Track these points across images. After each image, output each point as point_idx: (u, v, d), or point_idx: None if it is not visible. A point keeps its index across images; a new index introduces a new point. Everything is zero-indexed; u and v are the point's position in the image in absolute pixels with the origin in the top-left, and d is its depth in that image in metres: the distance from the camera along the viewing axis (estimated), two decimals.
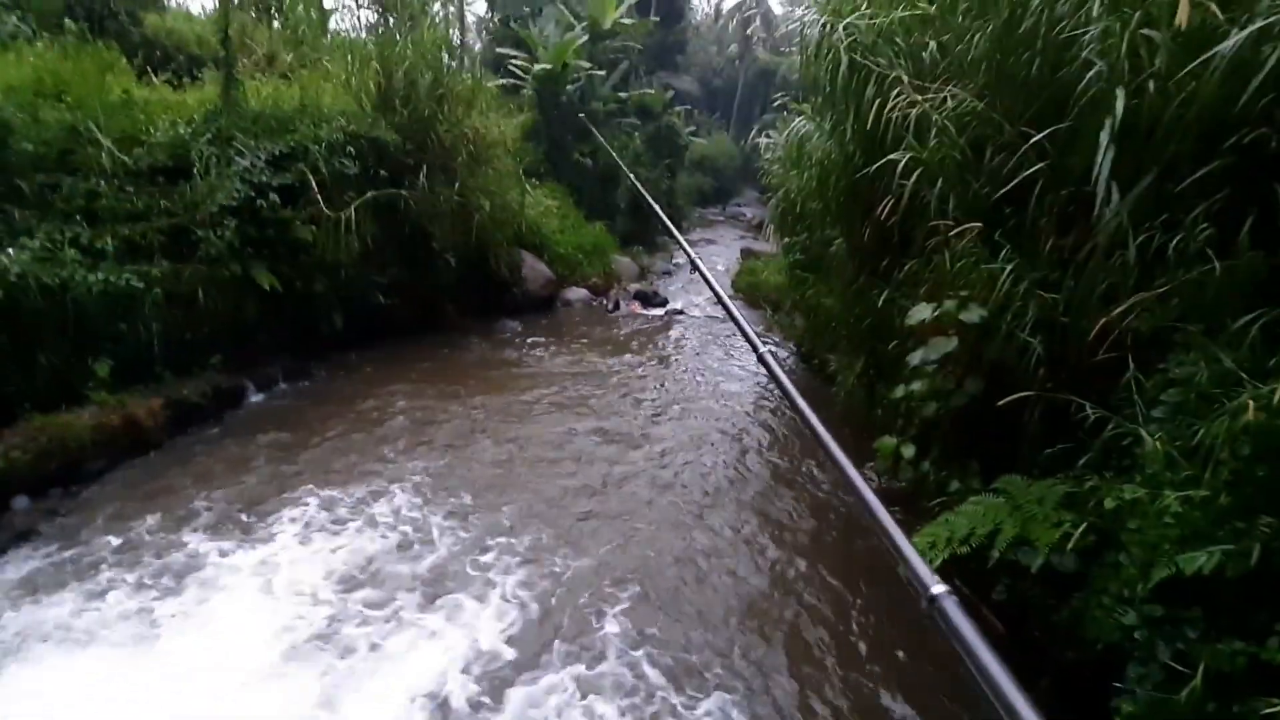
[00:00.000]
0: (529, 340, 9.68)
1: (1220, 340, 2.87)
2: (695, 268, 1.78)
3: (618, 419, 7.13)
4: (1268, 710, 2.50)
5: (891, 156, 4.28)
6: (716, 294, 1.98)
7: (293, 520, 4.87)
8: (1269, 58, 2.58)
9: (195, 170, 6.95)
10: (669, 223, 3.02)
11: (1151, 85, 2.93)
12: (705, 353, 9.52)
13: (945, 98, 4.05)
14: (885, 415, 5.56)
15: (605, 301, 11.88)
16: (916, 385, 4.57)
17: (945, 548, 4.00)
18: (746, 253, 13.86)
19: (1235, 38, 2.56)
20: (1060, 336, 3.60)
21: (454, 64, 10.27)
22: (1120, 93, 2.94)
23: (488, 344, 9.40)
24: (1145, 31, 2.96)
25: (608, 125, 14.96)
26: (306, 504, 5.07)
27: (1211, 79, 2.66)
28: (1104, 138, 2.93)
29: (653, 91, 16.91)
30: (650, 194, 15.20)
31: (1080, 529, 3.33)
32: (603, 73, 14.96)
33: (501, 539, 4.83)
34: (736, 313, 1.93)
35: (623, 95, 15.59)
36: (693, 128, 19.20)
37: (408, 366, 8.25)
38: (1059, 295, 3.55)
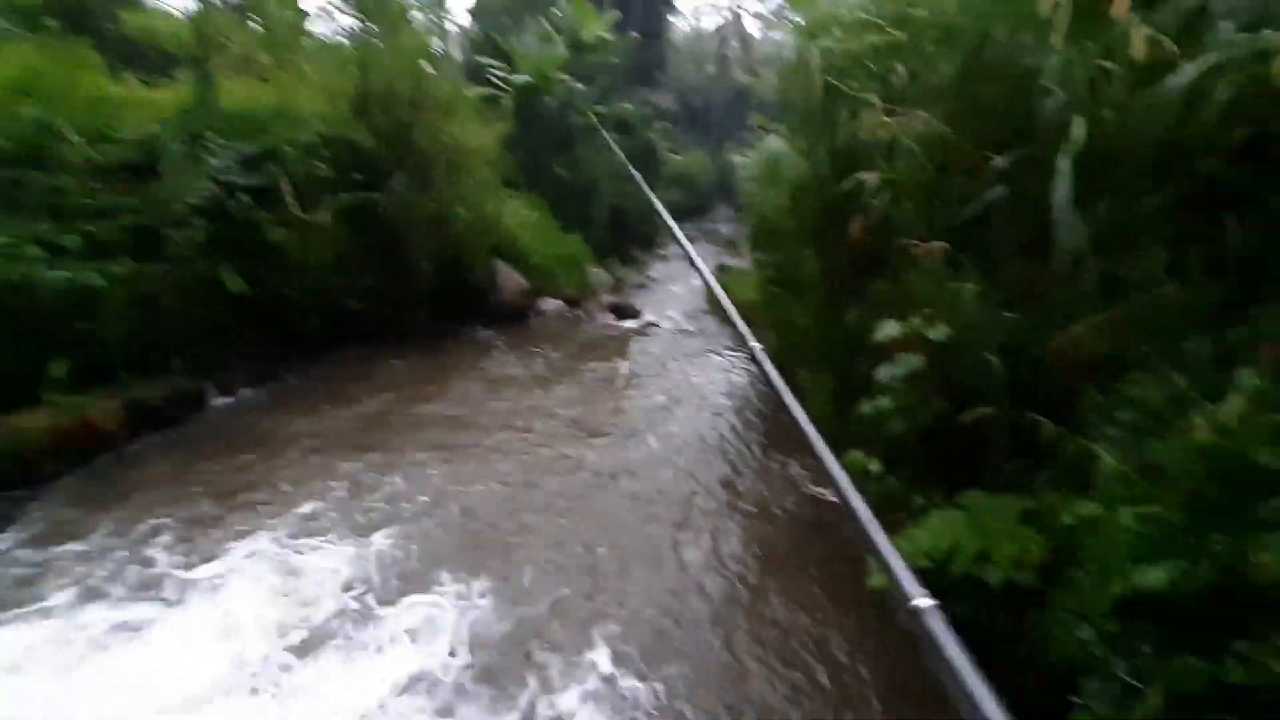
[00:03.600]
0: (502, 348, 9.62)
1: (1174, 362, 2.97)
2: (691, 264, 1.80)
3: (583, 429, 7.10)
4: None
5: (862, 176, 4.36)
6: (714, 290, 1.93)
7: (240, 534, 4.73)
8: (1219, 90, 2.70)
9: (164, 168, 6.81)
10: (670, 220, 2.86)
11: (1107, 115, 3.05)
12: (675, 363, 9.56)
13: (914, 122, 4.15)
14: (853, 431, 5.62)
15: (580, 313, 11.87)
16: (884, 401, 4.63)
17: (909, 561, 4.05)
18: (721, 269, 13.96)
19: (1189, 70, 2.68)
20: (1022, 356, 3.68)
21: (434, 71, 10.26)
22: (1080, 121, 3.04)
23: (460, 352, 9.33)
24: (1103, 63, 3.07)
25: (587, 139, 15.04)
26: (255, 515, 4.94)
27: (1165, 110, 2.77)
28: (1063, 164, 3.03)
29: (632, 107, 17.06)
30: (627, 207, 15.26)
31: (1039, 545, 3.40)
32: (583, 86, 15.05)
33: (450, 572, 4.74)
34: (734, 312, 1.89)
35: (601, 109, 15.70)
36: (671, 144, 19.40)
37: (377, 373, 8.14)
38: (1020, 316, 3.64)
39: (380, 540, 4.70)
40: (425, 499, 5.36)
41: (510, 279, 11.25)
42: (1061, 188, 3.05)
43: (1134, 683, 2.86)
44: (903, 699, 3.85)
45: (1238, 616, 2.66)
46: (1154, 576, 2.74)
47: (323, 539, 4.70)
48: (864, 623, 4.42)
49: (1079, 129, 3.02)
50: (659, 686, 3.53)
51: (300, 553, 4.55)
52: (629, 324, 11.44)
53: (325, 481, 5.44)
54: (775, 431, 7.49)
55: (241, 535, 4.67)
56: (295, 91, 8.75)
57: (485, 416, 7.20)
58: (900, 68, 4.60)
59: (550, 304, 11.82)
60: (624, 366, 9.33)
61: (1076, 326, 3.18)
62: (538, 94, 13.98)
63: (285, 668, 3.56)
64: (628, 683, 3.53)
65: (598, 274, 13.51)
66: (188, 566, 4.31)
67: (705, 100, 28.54)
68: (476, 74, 14.65)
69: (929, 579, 3.33)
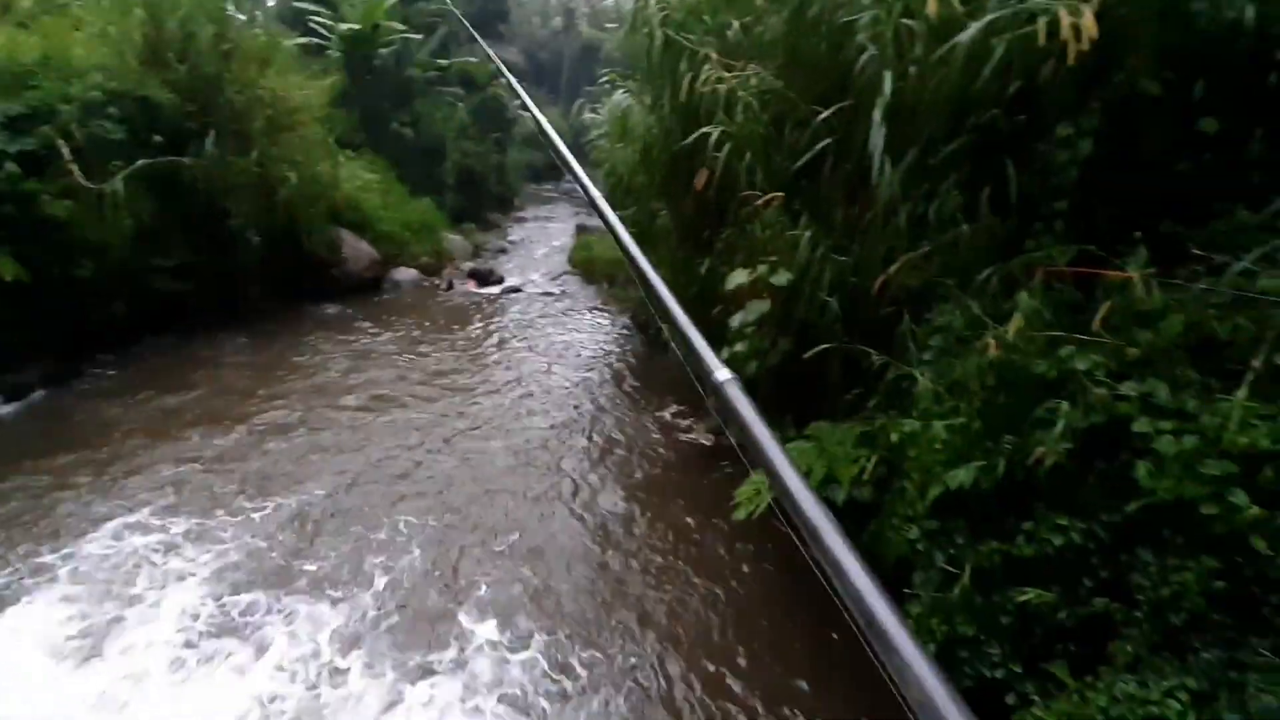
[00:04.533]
0: (351, 324, 9.01)
1: (970, 291, 3.39)
2: (579, 185, 1.71)
3: (445, 404, 6.90)
4: (1019, 597, 3.06)
5: (705, 130, 4.49)
6: (591, 197, 1.80)
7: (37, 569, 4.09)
8: (997, 48, 3.05)
9: None
10: (564, 149, 2.42)
11: (912, 70, 3.35)
12: (544, 325, 9.48)
13: (749, 75, 4.32)
14: None
15: (438, 281, 11.35)
16: (739, 347, 4.90)
17: (768, 492, 4.40)
18: (582, 228, 13.90)
19: (971, 29, 3.00)
20: (852, 294, 4.04)
21: (242, 17, 9.11)
22: (888, 75, 3.32)
23: (301, 330, 8.60)
24: (905, 20, 3.36)
25: (428, 94, 14.15)
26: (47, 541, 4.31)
27: (955, 66, 3.10)
28: (876, 116, 3.31)
29: (475, 60, 16.24)
30: (479, 169, 14.64)
31: (873, 462, 3.82)
32: (420, 37, 14.07)
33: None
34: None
35: (443, 63, 14.79)
36: (519, 102, 18.76)
37: (198, 361, 7.34)
38: (849, 258, 3.98)
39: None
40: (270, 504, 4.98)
41: (357, 248, 10.47)
42: (875, 138, 3.33)
43: (951, 569, 3.34)
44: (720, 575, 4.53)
45: (1025, 502, 3.16)
46: (960, 477, 3.18)
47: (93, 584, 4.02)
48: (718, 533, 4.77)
49: (887, 83, 3.30)
50: (546, 573, 4.40)
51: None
52: (491, 290, 11.12)
53: (104, 511, 4.72)
54: (647, 377, 7.72)
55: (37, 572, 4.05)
56: (67, 39, 7.40)
57: (335, 398, 6.75)
58: (735, 22, 4.75)
59: (405, 274, 11.18)
60: (492, 332, 9.10)
61: (894, 265, 3.52)
62: (368, 44, 12.89)
63: None
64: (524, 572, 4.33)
65: (454, 240, 12.93)
66: None
67: (553, 55, 27.74)
68: (296, 20, 13.20)
69: (783, 506, 3.67)
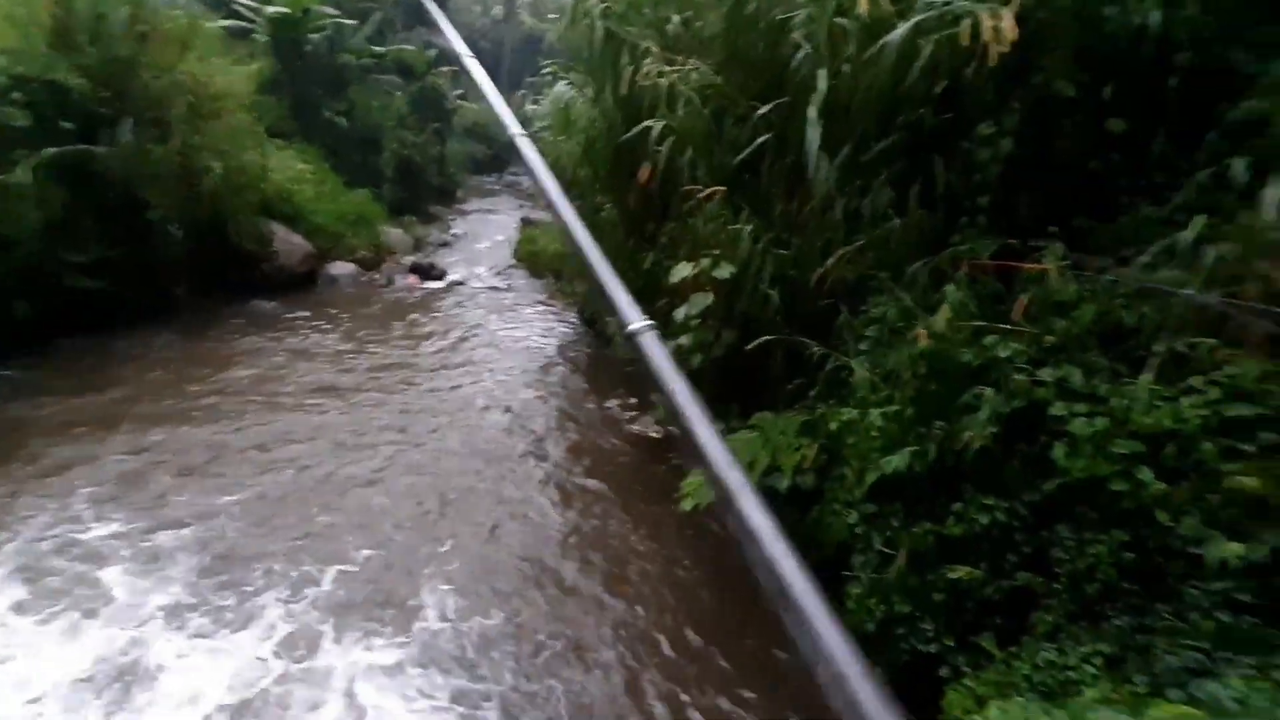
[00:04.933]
0: (286, 321, 8.66)
1: (902, 283, 3.52)
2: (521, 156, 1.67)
3: (391, 399, 6.73)
4: (950, 575, 3.21)
5: (647, 124, 4.50)
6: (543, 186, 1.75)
7: None
8: (925, 48, 3.16)
9: None
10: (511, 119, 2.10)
11: (845, 68, 3.44)
12: (490, 321, 9.32)
13: (690, 70, 4.34)
14: None
15: (377, 276, 11.01)
16: (684, 339, 4.96)
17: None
18: (526, 221, 13.71)
19: (900, 29, 3.10)
20: (792, 287, 4.14)
21: None
22: (822, 73, 3.41)
23: (229, 329, 8.20)
24: (839, 19, 3.44)
25: (364, 82, 13.67)
26: None
27: (885, 65, 3.20)
28: (812, 113, 3.39)
29: (413, 49, 15.77)
30: (418, 160, 14.26)
31: (814, 451, 3.93)
32: (353, 22, 13.56)
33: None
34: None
35: (379, 50, 14.31)
36: (460, 91, 18.31)
37: (121, 359, 6.92)
38: (789, 251, 4.07)
39: None
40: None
41: (290, 242, 10.05)
42: (811, 135, 3.41)
43: (888, 551, 3.47)
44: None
45: (955, 485, 3.31)
46: (895, 462, 3.30)
47: None
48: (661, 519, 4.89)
49: (822, 81, 3.38)
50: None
51: None
52: (434, 285, 10.86)
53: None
54: (594, 371, 7.71)
55: None
56: None
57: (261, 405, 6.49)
58: (675, 16, 4.76)
59: (342, 268, 10.79)
60: (436, 327, 8.90)
61: (831, 259, 3.62)
62: (298, 29, 12.34)
63: None
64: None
65: (394, 233, 12.56)
66: None
67: (495, 45, 27.22)
68: (219, 3, 12.53)
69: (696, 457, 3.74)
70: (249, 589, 3.98)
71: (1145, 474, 2.60)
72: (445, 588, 4.15)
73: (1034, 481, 2.98)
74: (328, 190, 11.48)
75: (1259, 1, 2.86)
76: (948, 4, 3.02)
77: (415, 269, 11.27)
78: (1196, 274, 2.56)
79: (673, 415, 0.64)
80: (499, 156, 23.03)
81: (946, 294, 3.13)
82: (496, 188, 20.49)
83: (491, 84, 2.08)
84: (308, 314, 8.93)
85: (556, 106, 6.92)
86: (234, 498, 4.83)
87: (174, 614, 3.75)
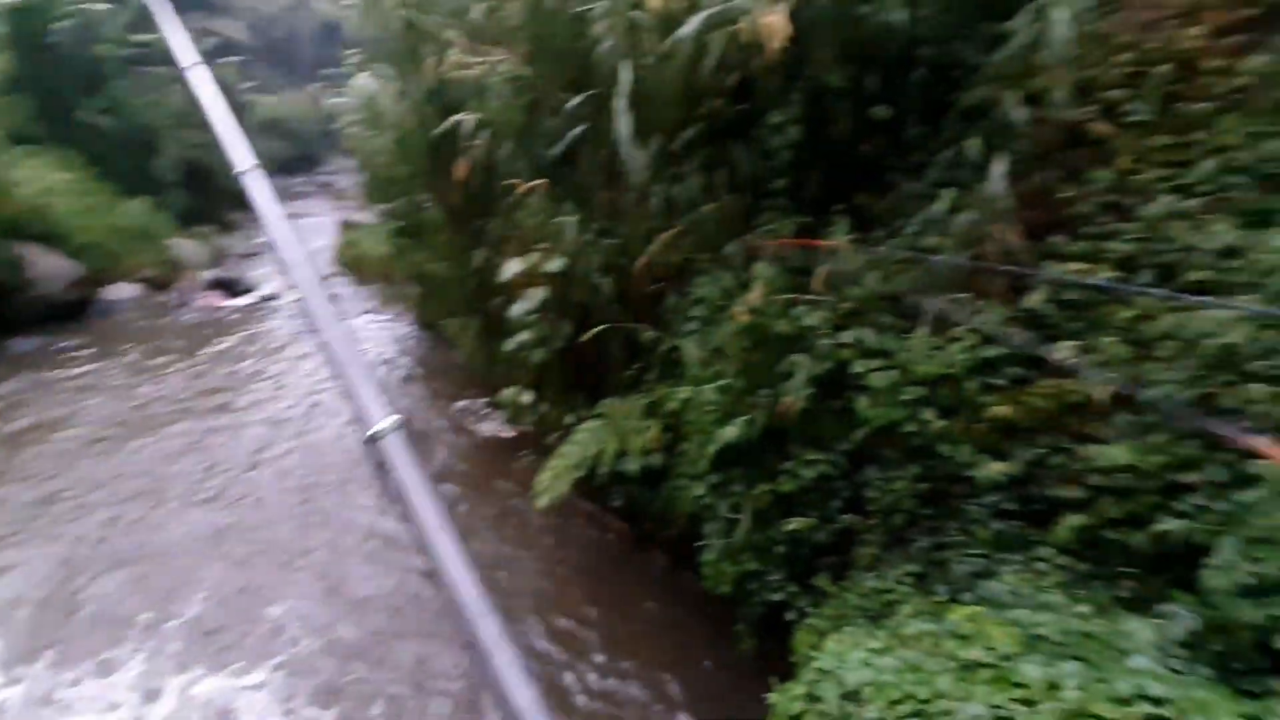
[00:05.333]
0: (55, 358, 7.38)
1: (720, 264, 3.74)
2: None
3: (211, 424, 6.02)
4: (787, 528, 3.49)
5: (459, 117, 4.36)
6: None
7: None
8: (714, 43, 3.35)
9: None
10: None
11: (646, 61, 3.56)
12: (312, 334, 8.56)
13: (498, 62, 4.26)
14: (504, 368, 5.89)
15: (171, 297, 9.70)
16: (524, 336, 4.91)
17: (567, 474, 4.50)
18: (346, 224, 12.74)
19: (690, 24, 3.25)
20: (621, 275, 4.24)
21: None
22: (625, 65, 3.49)
23: None
24: (635, 13, 3.54)
25: (128, 76, 11.87)
26: None
27: (680, 58, 3.35)
28: (620, 104, 3.47)
29: (188, 35, 13.92)
30: (208, 162, 12.70)
31: (657, 430, 4.09)
32: (106, 6, 11.68)
33: None
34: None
35: (145, 39, 12.45)
36: (253, 83, 16.48)
37: None
38: (615, 240, 4.16)
39: None
40: None
41: (50, 265, 8.53)
42: (622, 126, 3.49)
43: (734, 515, 3.71)
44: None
45: (783, 445, 3.61)
46: (731, 432, 3.53)
47: None
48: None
49: (626, 73, 3.46)
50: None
51: None
52: (243, 301, 9.78)
53: None
54: (438, 376, 7.40)
55: None
56: None
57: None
58: (477, 5, 4.63)
59: (123, 291, 9.37)
60: (252, 348, 8.01)
61: (653, 245, 3.75)
62: (41, 17, 10.40)
63: None
64: None
65: (186, 246, 11.09)
66: None
67: (289, 33, 24.75)
68: None
69: (587, 482, 3.80)
70: None
71: (928, 414, 3.01)
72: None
73: (845, 433, 3.33)
74: (95, 203, 9.90)
75: (981, 1, 3.36)
76: (729, 1, 3.22)
77: (217, 285, 10.09)
78: (950, 240, 2.99)
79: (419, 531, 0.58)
80: (308, 155, 21.14)
81: (757, 272, 3.37)
82: (308, 188, 18.79)
83: (222, 104, 1.92)
84: (79, 347, 7.68)
85: (362, 100, 6.47)
86: None
87: None
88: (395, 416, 0.84)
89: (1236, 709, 1.69)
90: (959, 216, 2.97)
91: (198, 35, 14.14)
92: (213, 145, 12.96)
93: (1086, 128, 3.03)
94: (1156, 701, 1.74)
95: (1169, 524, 2.25)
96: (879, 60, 3.32)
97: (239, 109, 14.54)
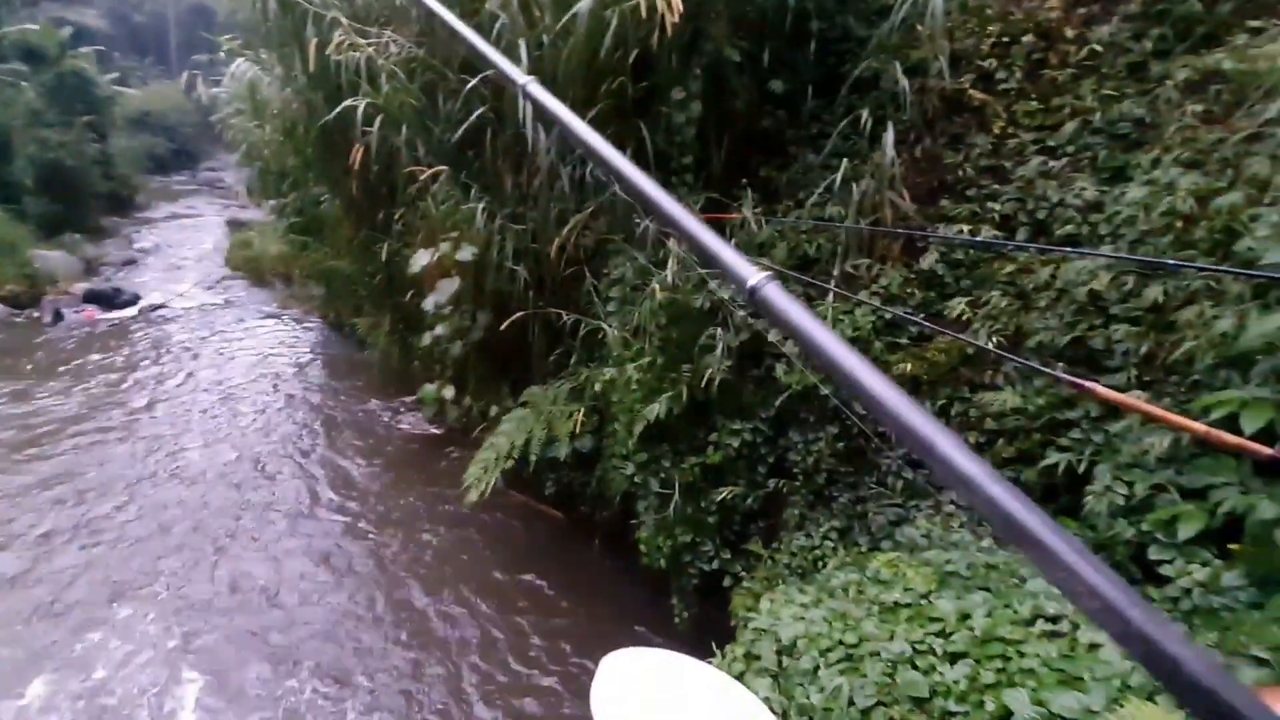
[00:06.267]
0: None
1: (634, 243, 3.75)
2: None
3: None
4: (717, 497, 3.58)
5: (350, 103, 4.14)
6: None
7: None
8: (612, 19, 3.32)
9: None
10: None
11: (545, 39, 3.49)
12: (216, 343, 7.97)
13: (388, 42, 4.06)
14: (422, 364, 5.71)
15: (37, 314, 8.80)
16: (440, 329, 4.76)
17: (496, 466, 4.44)
18: (235, 224, 11.92)
19: (584, 2, 3.21)
20: (536, 260, 4.18)
21: None
22: (522, 43, 3.41)
23: None
24: None
25: None
26: None
27: (579, 35, 3.31)
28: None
29: (37, 27, 12.52)
30: (71, 163, 11.55)
31: (584, 413, 4.09)
32: None
33: None
34: None
35: None
36: (115, 75, 15.02)
37: None
38: (527, 225, 4.09)
39: None
40: None
41: None
42: (525, 107, 3.41)
43: (665, 491, 3.77)
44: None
45: (708, 418, 3.69)
46: (655, 410, 3.57)
47: None
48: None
49: (523, 51, 3.39)
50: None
51: None
52: (123, 314, 8.98)
53: None
54: (353, 376, 7.09)
55: None
56: None
57: None
58: None
59: None
60: (141, 363, 7.36)
61: (566, 228, 3.72)
62: None
63: None
64: None
65: (53, 257, 10.04)
66: None
67: (154, 18, 22.68)
68: None
69: (518, 473, 3.75)
70: None
71: None
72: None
73: (766, 400, 3.44)
74: None
75: None
76: None
77: (93, 298, 9.23)
78: (849, 207, 3.12)
79: (835, 379, 0.49)
80: (186, 150, 19.59)
81: (670, 248, 3.40)
82: (190, 186, 17.41)
83: None
84: None
85: (242, 88, 6.04)
86: None
87: None
88: (762, 274, 0.80)
89: None
90: (856, 185, 3.10)
91: (49, 25, 12.79)
92: (74, 145, 11.83)
93: (965, 96, 3.22)
94: (1052, 619, 1.92)
95: (1054, 457, 2.46)
96: (773, 34, 3.39)
97: (101, 104, 13.28)
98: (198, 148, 19.82)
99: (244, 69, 5.66)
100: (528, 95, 0.88)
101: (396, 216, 4.69)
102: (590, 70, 3.48)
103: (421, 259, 4.36)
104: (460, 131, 4.03)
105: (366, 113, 4.13)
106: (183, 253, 11.76)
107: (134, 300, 9.28)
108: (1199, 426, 1.66)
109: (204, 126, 20.25)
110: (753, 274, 0.61)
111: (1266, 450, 1.47)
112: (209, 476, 5.32)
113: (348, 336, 7.70)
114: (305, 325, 8.51)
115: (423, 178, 3.98)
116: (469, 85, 3.80)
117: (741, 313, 3.37)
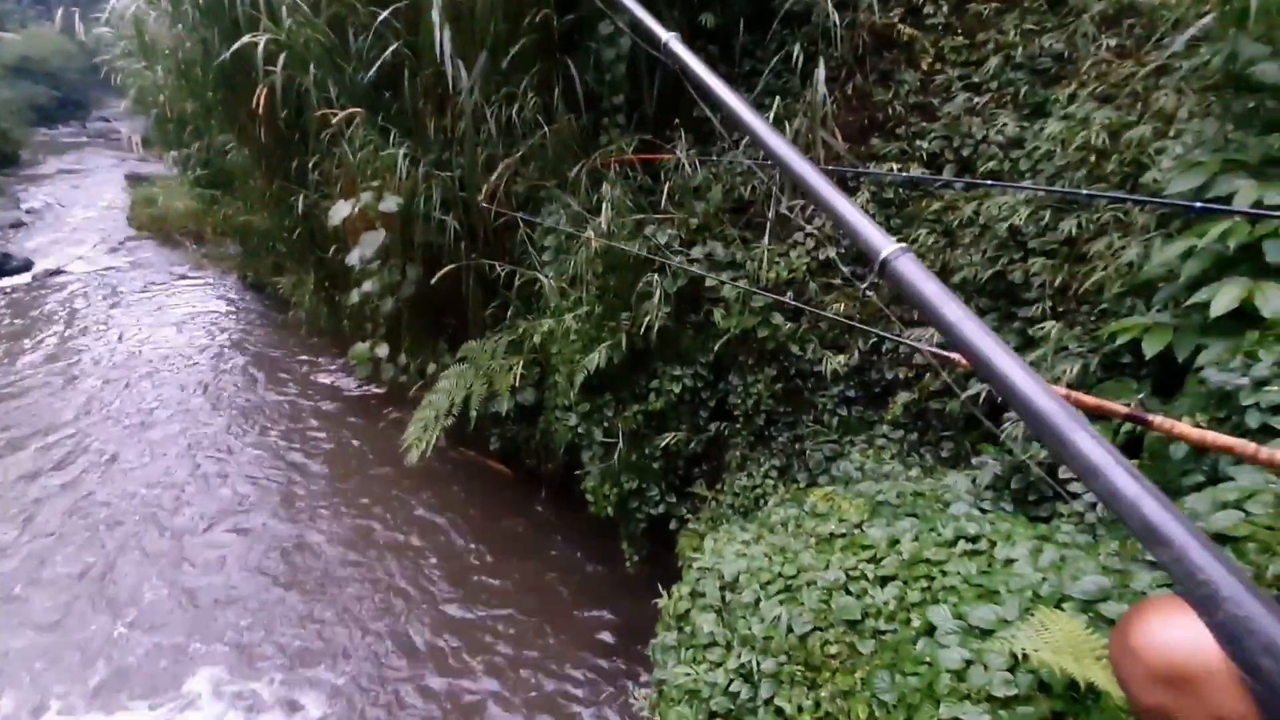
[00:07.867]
0: None
1: (567, 189, 3.63)
2: None
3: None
4: (661, 443, 3.61)
5: (247, 39, 3.79)
6: None
7: None
8: None
9: None
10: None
11: None
12: (121, 312, 7.43)
13: None
14: (352, 322, 5.47)
15: None
16: (368, 285, 4.55)
17: (436, 424, 4.35)
18: (135, 178, 10.98)
19: None
20: (466, 209, 4.00)
21: None
22: None
23: None
24: None
25: None
26: None
27: None
28: (435, 17, 3.17)
29: None
30: None
31: (523, 366, 4.02)
32: None
33: None
34: None
35: None
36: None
37: None
38: (453, 172, 3.90)
39: None
40: None
41: None
42: (442, 41, 3.21)
43: (609, 440, 3.78)
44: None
45: (648, 365, 3.69)
46: (595, 359, 3.54)
47: None
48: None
49: None
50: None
51: None
52: (15, 280, 8.24)
53: None
54: (278, 339, 6.76)
55: None
56: None
57: None
58: None
59: None
60: (42, 337, 6.80)
61: (494, 174, 3.56)
62: None
63: None
64: None
65: None
66: None
67: None
68: None
69: (462, 429, 3.68)
70: None
71: (777, 319, 3.18)
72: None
73: (705, 345, 3.45)
74: None
75: None
76: None
77: None
78: None
79: (972, 364, 0.45)
80: (74, 99, 17.82)
81: (605, 194, 3.31)
82: (81, 139, 15.89)
83: None
84: None
85: (127, 25, 5.45)
86: None
87: None
88: (897, 245, 0.73)
89: (1032, 533, 2.01)
90: (789, 124, 3.06)
91: None
92: None
93: (895, 31, 3.20)
94: (973, 539, 2.03)
95: (975, 388, 2.57)
96: None
97: None
98: (86, 96, 18.01)
99: (126, 3, 5.10)
100: (668, 53, 0.76)
101: (312, 165, 4.40)
102: (516, 3, 3.28)
103: (342, 210, 4.12)
104: (374, 70, 3.77)
105: (268, 50, 3.80)
106: (78, 212, 10.80)
107: (27, 266, 8.51)
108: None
109: (91, 71, 18.36)
110: (887, 244, 0.60)
111: (1123, 409, 1.54)
112: (115, 479, 4.77)
113: (269, 296, 7.30)
114: (222, 286, 8.01)
115: (335, 120, 3.72)
116: (380, 18, 3.53)
117: (679, 257, 3.33)
